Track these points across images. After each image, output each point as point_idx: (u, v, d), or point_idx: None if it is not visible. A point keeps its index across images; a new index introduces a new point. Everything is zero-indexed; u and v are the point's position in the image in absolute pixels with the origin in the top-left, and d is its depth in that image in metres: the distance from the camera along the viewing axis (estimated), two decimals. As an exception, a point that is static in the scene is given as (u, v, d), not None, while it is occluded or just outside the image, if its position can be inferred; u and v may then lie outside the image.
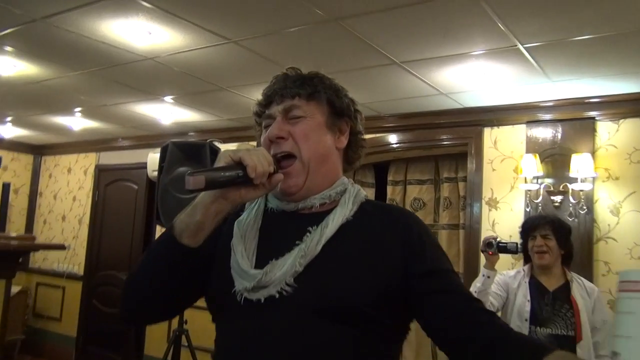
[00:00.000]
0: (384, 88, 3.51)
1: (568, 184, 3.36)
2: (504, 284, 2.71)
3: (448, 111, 3.89)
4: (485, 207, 3.73)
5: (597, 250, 3.30)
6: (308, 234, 1.07)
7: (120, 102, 4.34)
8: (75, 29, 2.76)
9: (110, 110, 4.63)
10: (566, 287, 2.61)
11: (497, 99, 3.56)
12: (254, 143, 4.70)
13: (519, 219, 3.50)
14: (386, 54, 2.88)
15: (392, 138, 4.28)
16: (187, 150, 4.45)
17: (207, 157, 4.38)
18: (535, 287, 2.63)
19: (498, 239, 2.64)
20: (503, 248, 2.59)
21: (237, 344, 1.05)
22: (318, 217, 1.10)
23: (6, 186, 6.16)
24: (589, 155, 3.29)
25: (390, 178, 4.59)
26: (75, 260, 6.17)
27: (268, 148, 1.14)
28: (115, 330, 5.55)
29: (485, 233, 3.64)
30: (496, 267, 2.64)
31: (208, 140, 4.53)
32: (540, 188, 3.45)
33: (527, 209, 3.48)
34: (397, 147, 4.31)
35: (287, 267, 1.02)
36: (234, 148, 1.12)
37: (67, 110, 4.78)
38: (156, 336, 5.23)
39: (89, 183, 6.26)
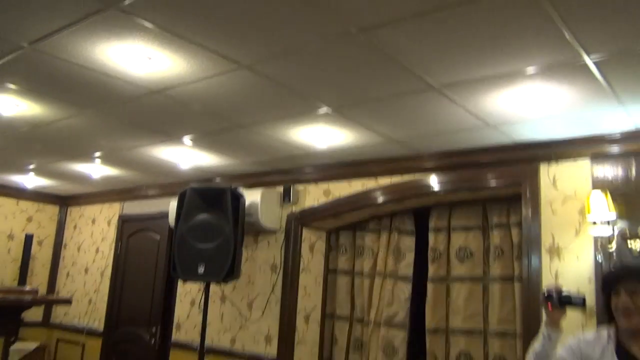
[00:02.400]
0: (421, 120, 3.08)
1: (648, 228, 2.79)
2: (578, 351, 2.14)
3: (497, 147, 3.41)
4: (545, 257, 3.16)
5: (691, 310, 2.68)
6: None
7: (136, 144, 4.05)
8: (67, 55, 2.46)
9: (128, 155, 4.35)
10: None
11: (556, 130, 3.06)
12: (279, 189, 4.30)
13: (588, 271, 2.95)
14: (421, 75, 2.46)
15: (433, 180, 3.80)
16: (207, 196, 4.10)
17: (229, 203, 4.01)
18: (623, 356, 2.06)
19: (562, 290, 2.13)
20: (566, 300, 2.09)
21: None
22: None
23: (29, 238, 5.99)
24: (673, 192, 2.74)
25: (431, 225, 4.08)
26: (95, 315, 5.82)
27: None
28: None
29: (548, 288, 3.07)
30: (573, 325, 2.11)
31: (231, 186, 4.17)
32: (613, 234, 2.88)
33: (598, 259, 2.90)
34: (439, 190, 3.82)
35: None
36: None
37: (85, 156, 4.54)
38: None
39: (112, 234, 5.97)
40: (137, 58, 2.45)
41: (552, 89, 2.52)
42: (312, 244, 4.53)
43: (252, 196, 4.36)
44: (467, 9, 1.89)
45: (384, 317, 4.17)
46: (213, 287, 4.47)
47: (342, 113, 3.04)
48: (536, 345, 2.15)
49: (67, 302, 3.65)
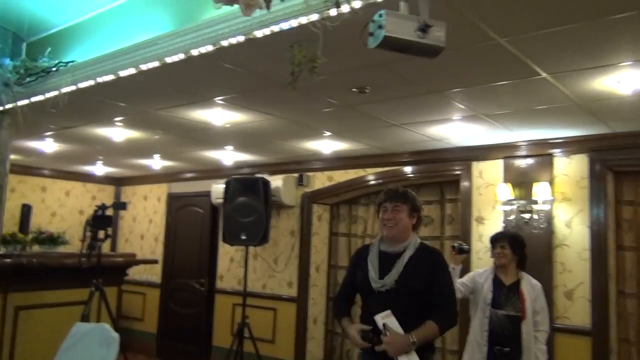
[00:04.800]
0: (394, 139, 4.71)
1: (533, 205, 4.45)
2: (472, 278, 3.86)
3: (445, 149, 5.02)
4: (474, 223, 4.85)
5: (555, 254, 4.39)
6: (397, 262, 2.65)
7: (193, 149, 5.66)
8: (174, 114, 4.07)
9: (185, 155, 5.97)
10: (517, 283, 3.72)
11: (480, 141, 4.67)
12: (295, 175, 5.83)
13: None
14: (389, 121, 4.09)
15: (407, 169, 5.44)
16: (245, 184, 5.77)
17: (260, 188, 5.67)
18: (496, 282, 3.75)
19: (460, 244, 3.76)
20: (460, 250, 3.73)
21: (373, 308, 2.61)
22: (400, 255, 2.69)
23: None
24: (546, 183, 4.39)
25: (405, 200, 5.73)
26: (152, 272, 7.53)
27: (382, 219, 2.74)
28: (189, 326, 6.89)
29: (475, 244, 4.77)
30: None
31: (260, 175, 5.82)
32: (513, 208, 4.56)
33: (504, 225, 4.59)
34: (411, 176, 5.46)
35: (391, 277, 2.62)
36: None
37: (149, 155, 6.14)
38: (223, 329, 6.53)
39: (162, 208, 7.65)
40: (216, 115, 4.05)
41: (468, 125, 4.13)
42: (320, 215, 6.22)
43: (275, 181, 6.00)
44: (420, 98, 3.48)
45: (373, 265, 5.89)
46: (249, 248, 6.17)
47: (341, 135, 4.68)
48: None
49: (154, 262, 5.31)
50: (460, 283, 3.78)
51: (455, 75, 3.05)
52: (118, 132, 4.78)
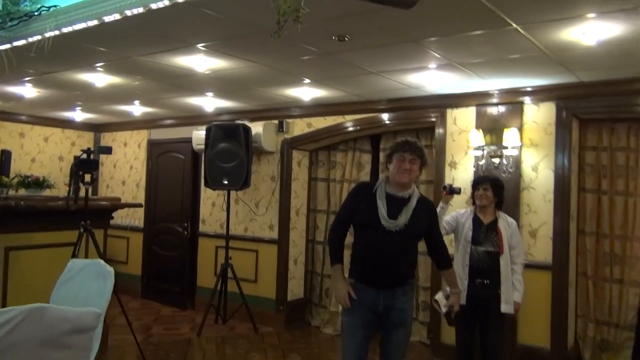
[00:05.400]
0: (372, 86, 4.84)
1: (503, 150, 4.69)
2: (455, 217, 4.12)
3: (421, 97, 5.18)
4: (447, 168, 5.09)
5: (522, 197, 4.67)
6: (406, 206, 3.03)
7: (174, 95, 5.71)
8: (156, 60, 4.12)
9: (165, 101, 6.02)
10: (495, 222, 3.99)
11: (454, 89, 4.83)
12: (275, 122, 5.92)
13: (470, 176, 4.86)
14: (367, 68, 4.21)
15: (384, 116, 5.60)
16: (225, 130, 5.88)
17: (241, 134, 5.80)
18: (476, 221, 4.02)
19: (450, 185, 4.06)
20: (451, 190, 4.02)
21: (377, 245, 3.03)
22: (407, 200, 3.07)
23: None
24: (516, 129, 4.61)
25: (382, 146, 5.92)
26: (135, 216, 7.68)
27: (400, 167, 3.04)
28: (173, 268, 7.12)
29: (447, 187, 5.00)
30: (460, 206, 4.29)
31: (240, 122, 5.94)
32: (483, 153, 4.79)
33: (475, 169, 4.83)
34: (388, 123, 5.63)
35: (401, 220, 3.01)
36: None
37: (129, 101, 6.17)
38: (206, 271, 6.79)
39: (142, 154, 7.72)
40: (198, 61, 4.11)
41: (444, 73, 4.27)
42: (299, 160, 6.39)
43: (256, 128, 6.12)
44: (398, 47, 3.60)
45: (350, 209, 6.13)
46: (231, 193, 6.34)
47: (320, 82, 4.79)
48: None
49: (139, 205, 5.46)
50: (445, 222, 4.06)
51: (430, 25, 3.17)
52: (99, 78, 4.81)
